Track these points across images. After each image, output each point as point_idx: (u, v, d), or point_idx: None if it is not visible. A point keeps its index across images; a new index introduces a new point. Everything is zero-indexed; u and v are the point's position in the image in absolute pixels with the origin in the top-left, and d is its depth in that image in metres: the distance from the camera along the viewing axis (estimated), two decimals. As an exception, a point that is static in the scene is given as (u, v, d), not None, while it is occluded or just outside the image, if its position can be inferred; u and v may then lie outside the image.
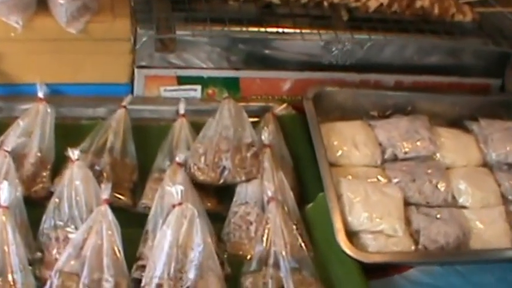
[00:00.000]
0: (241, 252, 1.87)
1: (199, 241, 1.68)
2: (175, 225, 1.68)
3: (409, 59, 2.37)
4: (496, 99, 2.49)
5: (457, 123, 2.35)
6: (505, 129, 2.26)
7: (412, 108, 2.33)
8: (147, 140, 2.12)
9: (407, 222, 1.97)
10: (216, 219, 1.90)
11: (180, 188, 1.71)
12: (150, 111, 2.23)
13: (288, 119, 2.25)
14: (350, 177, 2.04)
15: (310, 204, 2.00)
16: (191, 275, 1.66)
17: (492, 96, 2.50)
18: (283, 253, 1.76)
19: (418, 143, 2.16)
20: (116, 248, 1.68)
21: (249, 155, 2.00)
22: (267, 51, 2.26)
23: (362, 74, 2.36)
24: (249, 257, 1.82)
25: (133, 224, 1.82)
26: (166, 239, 1.67)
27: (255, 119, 2.20)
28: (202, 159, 1.97)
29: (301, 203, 2.00)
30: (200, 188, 1.93)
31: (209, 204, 1.96)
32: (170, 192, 1.73)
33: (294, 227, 1.86)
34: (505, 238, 2.02)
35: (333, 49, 2.27)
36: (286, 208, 1.90)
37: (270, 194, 1.87)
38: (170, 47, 2.09)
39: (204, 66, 2.24)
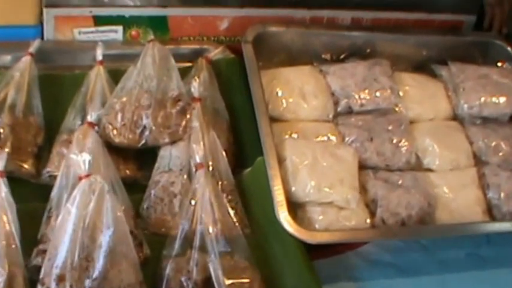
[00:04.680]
0: (164, 230, 1.65)
1: (110, 223, 1.47)
2: (81, 202, 1.47)
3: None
4: (469, 39, 2.28)
5: (423, 67, 2.18)
6: (479, 76, 2.07)
7: (371, 51, 2.14)
8: (58, 93, 1.89)
9: (363, 189, 1.80)
10: (137, 189, 1.70)
11: (87, 157, 1.51)
12: (62, 58, 2.00)
13: (224, 65, 2.02)
14: (296, 135, 1.86)
15: (247, 170, 1.79)
16: (99, 264, 1.45)
17: (465, 36, 2.31)
18: (212, 234, 1.55)
19: (377, 94, 1.96)
20: (9, 232, 1.47)
21: (174, 111, 1.78)
22: (199, -17, 2.08)
23: (313, 10, 2.16)
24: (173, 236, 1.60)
25: (37, 197, 1.65)
26: (70, 219, 1.46)
27: (188, 64, 1.99)
28: (119, 117, 1.74)
29: (239, 167, 1.80)
30: (117, 152, 1.73)
31: (127, 171, 1.75)
32: (76, 161, 1.52)
33: (226, 199, 1.66)
34: (476, 207, 1.86)
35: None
36: (218, 176, 1.70)
37: (198, 159, 1.64)
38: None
39: (126, 3, 2.02)
